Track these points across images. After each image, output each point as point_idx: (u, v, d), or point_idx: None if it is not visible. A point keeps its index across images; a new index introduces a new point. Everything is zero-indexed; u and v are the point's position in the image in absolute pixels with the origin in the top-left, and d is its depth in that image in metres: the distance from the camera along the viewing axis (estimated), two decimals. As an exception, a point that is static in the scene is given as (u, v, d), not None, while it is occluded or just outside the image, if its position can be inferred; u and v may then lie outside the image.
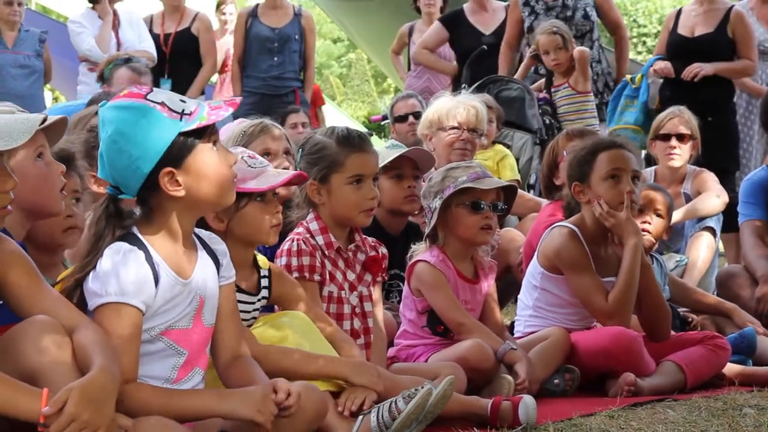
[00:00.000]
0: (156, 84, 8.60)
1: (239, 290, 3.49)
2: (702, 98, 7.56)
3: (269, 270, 3.69)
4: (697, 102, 7.40)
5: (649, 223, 5.03)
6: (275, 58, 9.13)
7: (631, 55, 21.02)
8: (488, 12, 8.79)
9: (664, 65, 7.89)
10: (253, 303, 3.61)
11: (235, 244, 3.47)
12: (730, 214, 6.39)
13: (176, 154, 2.87)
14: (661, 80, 8.02)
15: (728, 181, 7.23)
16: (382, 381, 3.47)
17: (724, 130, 7.72)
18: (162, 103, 2.88)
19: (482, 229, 4.35)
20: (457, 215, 4.36)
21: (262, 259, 3.69)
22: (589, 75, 7.62)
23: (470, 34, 8.68)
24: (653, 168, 6.77)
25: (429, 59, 9.17)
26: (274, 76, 9.14)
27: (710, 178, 6.62)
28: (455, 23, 8.84)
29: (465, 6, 8.92)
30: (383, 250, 4.14)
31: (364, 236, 4.09)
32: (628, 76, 8.13)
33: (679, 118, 6.61)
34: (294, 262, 3.85)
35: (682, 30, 7.96)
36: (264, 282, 3.65)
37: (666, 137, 6.57)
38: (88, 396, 2.52)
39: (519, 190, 6.25)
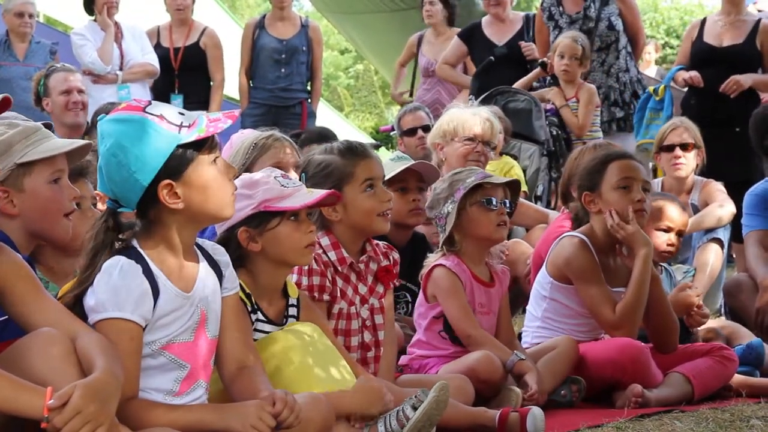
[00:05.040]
0: (166, 100, 8.57)
1: (265, 320, 3.45)
2: (730, 109, 7.52)
3: (298, 299, 3.60)
4: (726, 112, 7.39)
5: (673, 245, 5.04)
6: (282, 70, 9.14)
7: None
8: (505, 23, 8.79)
9: (694, 74, 7.75)
10: None
11: (267, 266, 3.45)
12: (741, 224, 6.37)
13: (175, 167, 2.87)
14: (685, 90, 7.96)
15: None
16: (391, 400, 3.41)
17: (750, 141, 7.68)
18: (160, 116, 2.88)
19: (498, 226, 4.37)
20: (472, 215, 4.37)
21: (292, 287, 3.61)
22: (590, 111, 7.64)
23: (483, 46, 8.70)
24: (660, 179, 6.76)
25: (450, 74, 9.16)
26: (282, 87, 9.15)
27: (717, 189, 6.60)
28: (471, 36, 8.90)
29: (484, 18, 8.96)
30: (395, 255, 4.10)
31: (375, 242, 4.06)
32: (651, 88, 8.07)
33: (681, 128, 6.60)
34: (304, 281, 3.79)
35: (709, 39, 7.84)
36: (291, 311, 3.56)
37: (670, 148, 6.55)
38: (92, 392, 2.53)
39: (526, 202, 6.31)
